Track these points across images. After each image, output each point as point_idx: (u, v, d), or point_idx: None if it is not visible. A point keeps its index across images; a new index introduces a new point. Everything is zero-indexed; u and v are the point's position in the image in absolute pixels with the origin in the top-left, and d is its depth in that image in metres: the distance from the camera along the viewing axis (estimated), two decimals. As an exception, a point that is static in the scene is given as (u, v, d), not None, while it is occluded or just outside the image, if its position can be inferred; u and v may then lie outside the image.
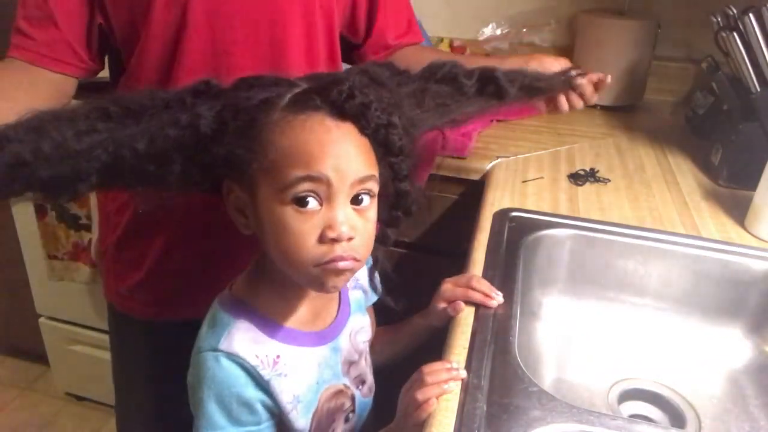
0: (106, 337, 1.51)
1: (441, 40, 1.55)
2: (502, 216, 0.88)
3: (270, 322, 0.64)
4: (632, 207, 0.94)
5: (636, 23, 1.28)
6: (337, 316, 0.71)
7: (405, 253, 1.20)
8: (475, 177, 1.08)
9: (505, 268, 0.77)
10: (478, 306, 0.70)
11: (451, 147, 1.11)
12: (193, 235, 0.81)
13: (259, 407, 0.62)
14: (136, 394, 0.99)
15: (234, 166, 0.58)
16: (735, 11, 1.02)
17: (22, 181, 0.54)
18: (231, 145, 0.57)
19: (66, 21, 0.74)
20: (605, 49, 1.31)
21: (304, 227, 0.55)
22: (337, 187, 0.55)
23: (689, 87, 1.41)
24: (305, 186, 0.55)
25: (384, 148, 0.60)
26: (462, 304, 0.70)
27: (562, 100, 0.90)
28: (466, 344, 0.64)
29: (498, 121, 1.27)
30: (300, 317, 0.66)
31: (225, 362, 0.60)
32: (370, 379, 0.75)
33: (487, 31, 1.49)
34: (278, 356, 0.62)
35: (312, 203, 0.55)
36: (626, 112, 1.35)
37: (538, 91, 0.86)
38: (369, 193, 0.58)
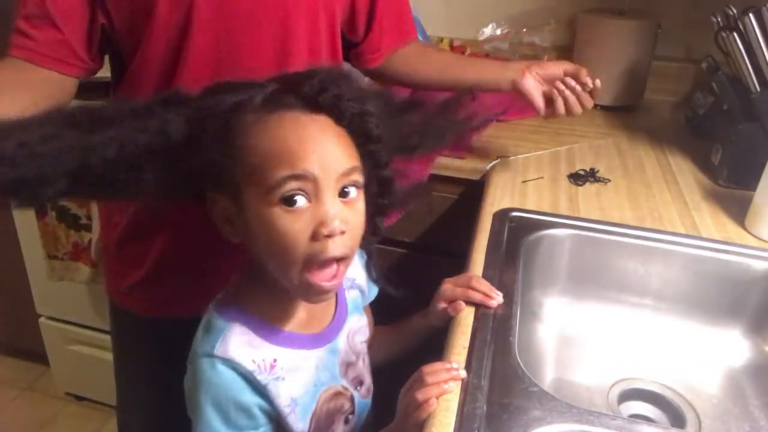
0: (106, 337, 1.51)
1: (441, 40, 1.55)
2: (502, 216, 0.88)
3: (265, 325, 0.63)
4: (632, 207, 0.94)
5: (636, 23, 1.28)
6: (334, 317, 0.70)
7: (405, 253, 1.20)
8: (475, 177, 1.08)
9: (505, 268, 0.77)
10: (478, 306, 0.70)
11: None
12: (194, 232, 0.81)
13: (257, 411, 0.62)
14: (138, 392, 0.99)
15: (215, 175, 0.58)
16: (735, 11, 1.02)
17: None
18: (208, 153, 0.57)
19: (65, 21, 0.74)
20: (605, 49, 1.31)
21: (295, 226, 0.55)
22: (324, 182, 0.55)
23: (689, 87, 1.41)
24: (291, 185, 0.54)
25: (362, 137, 0.60)
26: (462, 304, 0.70)
27: (560, 103, 0.90)
28: (466, 344, 0.64)
29: (498, 121, 1.27)
30: (296, 320, 0.66)
31: (221, 368, 0.59)
32: (368, 380, 0.75)
33: (487, 31, 1.49)
34: (275, 360, 0.62)
35: (300, 201, 0.55)
36: (626, 112, 1.35)
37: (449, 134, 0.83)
38: (355, 184, 0.58)
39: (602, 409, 0.76)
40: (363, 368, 0.74)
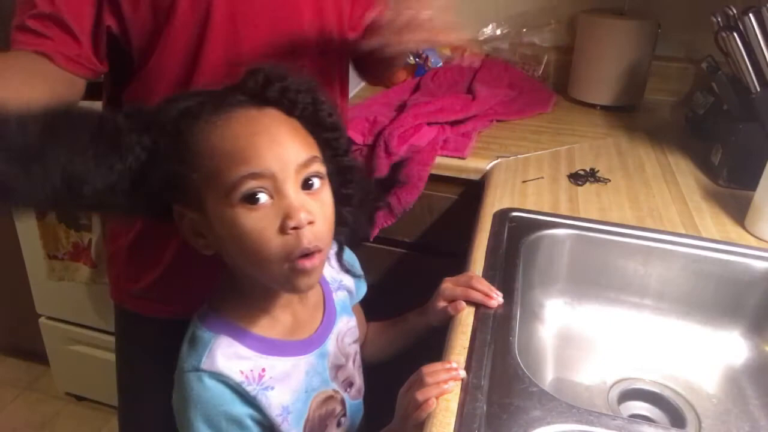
0: (106, 337, 1.52)
1: (441, 40, 1.55)
2: (502, 216, 0.88)
3: (252, 335, 0.63)
4: (632, 207, 0.94)
5: (636, 23, 1.28)
6: (322, 321, 0.70)
7: (405, 253, 1.20)
8: (475, 177, 1.08)
9: (505, 268, 0.77)
10: (478, 306, 0.70)
11: (451, 147, 1.11)
12: None
13: (249, 422, 0.61)
14: (146, 395, 0.98)
15: (176, 186, 0.57)
16: (735, 11, 1.02)
17: None
18: (166, 164, 0.56)
19: (77, 23, 0.73)
20: (605, 49, 1.31)
21: (261, 223, 0.54)
22: (283, 176, 0.54)
23: (689, 87, 1.41)
24: (250, 184, 0.54)
25: (317, 126, 0.59)
26: (463, 304, 0.70)
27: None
28: (466, 344, 0.64)
29: (498, 121, 1.27)
30: (283, 327, 0.65)
31: (209, 382, 0.59)
32: (358, 381, 0.75)
33: (487, 31, 1.49)
34: (263, 369, 0.61)
35: (263, 198, 0.54)
36: (626, 112, 1.35)
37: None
38: (317, 175, 0.57)
39: (602, 409, 0.76)
40: (353, 369, 0.74)
